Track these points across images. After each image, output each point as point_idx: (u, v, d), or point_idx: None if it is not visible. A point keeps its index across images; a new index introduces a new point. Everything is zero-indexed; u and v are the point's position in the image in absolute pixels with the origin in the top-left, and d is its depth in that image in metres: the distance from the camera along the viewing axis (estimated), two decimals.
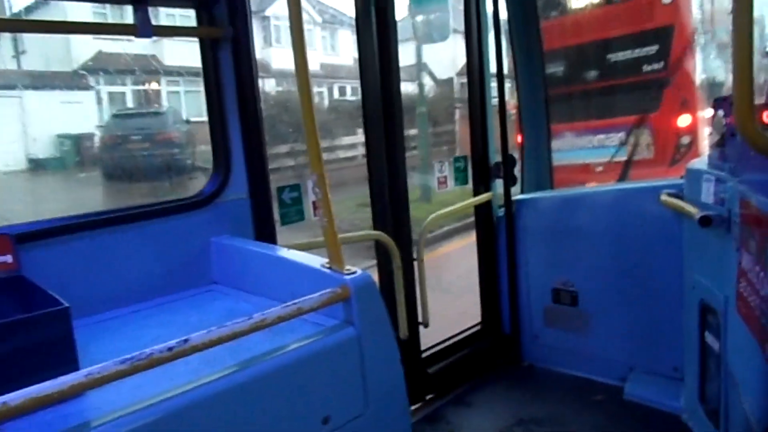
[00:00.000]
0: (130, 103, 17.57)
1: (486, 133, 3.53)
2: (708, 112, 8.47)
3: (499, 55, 3.41)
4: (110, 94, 17.19)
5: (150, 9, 2.05)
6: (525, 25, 3.65)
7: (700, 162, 2.55)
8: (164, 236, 2.18)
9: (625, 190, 3.37)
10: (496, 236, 3.65)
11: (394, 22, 2.91)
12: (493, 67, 3.48)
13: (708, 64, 9.24)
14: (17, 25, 1.94)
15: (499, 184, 3.60)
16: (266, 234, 2.38)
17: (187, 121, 15.74)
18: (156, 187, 12.72)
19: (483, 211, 3.64)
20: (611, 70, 8.02)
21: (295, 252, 2.07)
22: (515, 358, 3.65)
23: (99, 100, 16.83)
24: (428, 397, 3.27)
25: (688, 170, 2.63)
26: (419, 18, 3.33)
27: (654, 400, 2.98)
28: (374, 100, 2.94)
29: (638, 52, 8.16)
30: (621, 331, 3.24)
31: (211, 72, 2.27)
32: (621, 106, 7.89)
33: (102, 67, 16.70)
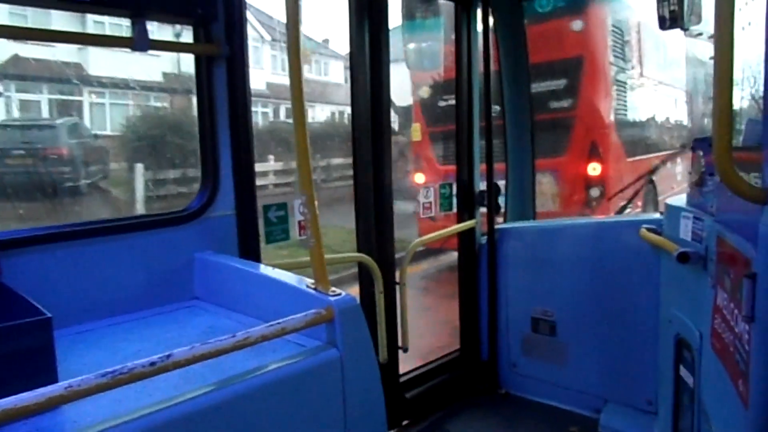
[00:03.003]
0: (45, 113, 15.36)
1: (472, 162, 3.59)
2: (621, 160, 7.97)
3: (487, 86, 3.49)
4: (22, 102, 15.11)
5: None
6: (514, 58, 3.74)
7: (679, 199, 2.62)
8: (148, 249, 2.17)
9: (605, 223, 3.44)
10: (478, 263, 3.68)
11: (387, 45, 2.97)
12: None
13: (629, 104, 8.81)
14: (11, 31, 1.93)
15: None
16: (251, 251, 2.37)
17: (95, 136, 13.98)
18: (30, 208, 10.44)
19: (466, 238, 3.67)
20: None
21: (279, 271, 2.07)
22: (492, 386, 3.65)
23: (8, 109, 14.82)
24: (404, 422, 3.26)
25: (667, 206, 2.70)
26: (411, 46, 3.39)
27: None
28: (364, 122, 2.98)
29: (545, 86, 7.12)
30: (597, 363, 3.27)
31: (204, 88, 2.29)
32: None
33: (18, 72, 14.65)
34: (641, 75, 9.26)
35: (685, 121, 12.69)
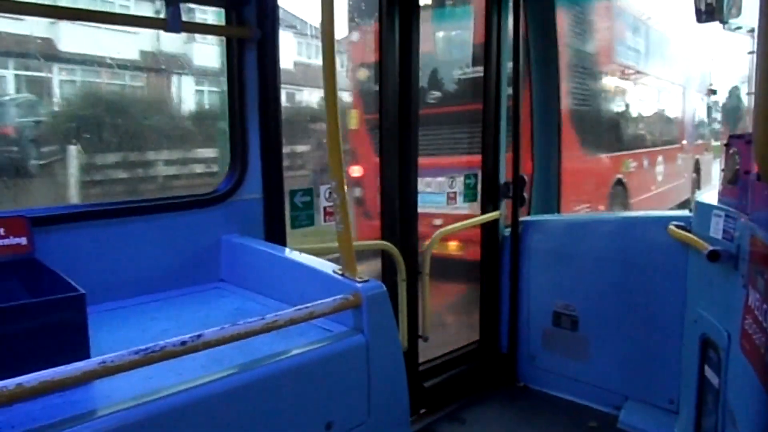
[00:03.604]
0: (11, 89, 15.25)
1: (498, 153, 3.56)
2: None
3: (516, 77, 3.45)
4: None
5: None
6: (544, 48, 3.69)
7: (710, 196, 2.57)
8: (176, 231, 2.19)
9: (632, 218, 3.39)
10: (501, 255, 3.66)
11: (417, 34, 2.95)
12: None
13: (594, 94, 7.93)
14: (44, 10, 1.95)
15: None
16: (277, 235, 2.39)
17: (54, 115, 13.06)
18: None
19: (489, 230, 3.65)
20: (449, 93, 6.00)
21: (306, 255, 2.08)
22: (511, 378, 3.65)
23: None
24: (422, 411, 3.27)
25: (697, 204, 2.65)
26: (440, 34, 3.36)
27: (648, 431, 2.98)
28: (391, 112, 2.96)
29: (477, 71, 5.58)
30: (619, 359, 3.24)
31: (235, 71, 2.29)
32: (456, 140, 5.75)
33: None
34: (611, 62, 8.40)
35: (677, 116, 11.54)
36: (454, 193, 3.43)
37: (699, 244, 2.42)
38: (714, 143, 14.27)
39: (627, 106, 9.20)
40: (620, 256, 3.21)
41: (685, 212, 2.96)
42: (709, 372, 2.44)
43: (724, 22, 2.56)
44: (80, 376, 1.18)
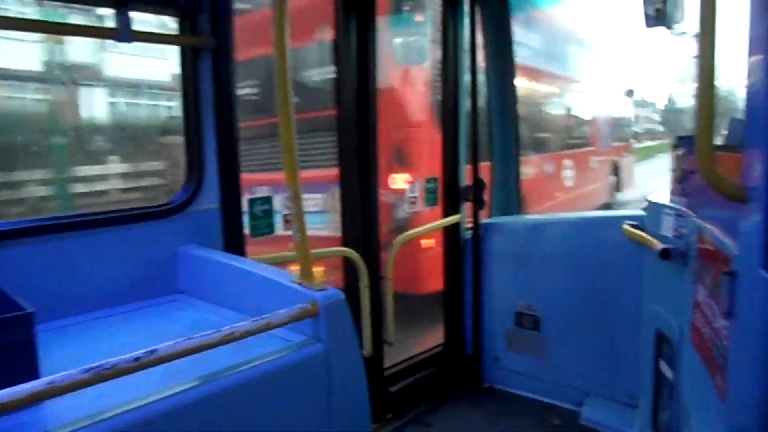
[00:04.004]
0: None
1: (457, 157, 3.60)
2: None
3: (474, 81, 3.49)
4: None
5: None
6: (501, 53, 3.75)
7: (662, 196, 2.65)
8: (131, 243, 2.15)
9: (590, 218, 3.47)
10: (463, 258, 3.69)
11: (374, 38, 2.97)
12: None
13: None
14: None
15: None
16: (235, 246, 2.36)
17: None
18: None
19: (451, 233, 3.69)
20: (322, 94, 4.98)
21: (264, 265, 2.06)
22: (476, 380, 3.68)
23: None
24: (388, 416, 3.27)
25: (649, 203, 2.73)
26: (398, 41, 3.39)
27: (608, 426, 3.04)
28: (349, 117, 2.97)
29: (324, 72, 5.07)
30: (580, 357, 3.31)
31: (190, 80, 2.27)
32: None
33: None
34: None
35: (589, 118, 10.85)
36: (415, 197, 3.45)
37: (651, 242, 2.49)
38: (639, 145, 13.80)
39: (530, 107, 8.21)
40: (579, 256, 3.28)
41: (640, 212, 3.04)
42: (663, 366, 2.51)
43: (669, 27, 2.65)
44: (27, 397, 1.15)
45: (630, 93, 13.73)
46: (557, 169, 9.05)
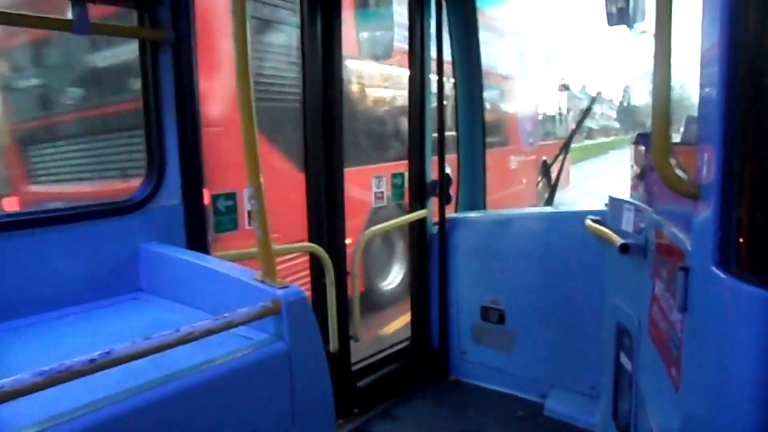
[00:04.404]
0: None
1: (423, 152, 3.60)
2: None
3: (440, 75, 3.50)
4: None
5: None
6: (467, 49, 3.77)
7: (623, 192, 2.71)
8: (91, 240, 2.10)
9: (553, 213, 3.52)
10: (429, 253, 3.72)
11: (339, 33, 2.95)
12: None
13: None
14: None
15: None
16: (198, 242, 2.33)
17: None
18: None
19: (417, 228, 3.70)
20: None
21: (226, 263, 2.04)
22: (443, 374, 3.71)
23: None
24: (355, 411, 3.28)
25: (610, 199, 2.78)
26: (365, 34, 3.37)
27: (571, 417, 3.11)
28: (315, 112, 2.95)
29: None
30: (544, 350, 3.37)
31: (149, 74, 2.21)
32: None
33: None
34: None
35: (508, 114, 10.01)
36: (382, 192, 3.45)
37: (612, 237, 2.54)
38: (590, 142, 13.04)
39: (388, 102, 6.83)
40: (543, 251, 3.33)
41: (602, 207, 3.09)
42: (623, 358, 2.57)
43: (630, 26, 2.69)
44: None
45: (565, 87, 13.12)
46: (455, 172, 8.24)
